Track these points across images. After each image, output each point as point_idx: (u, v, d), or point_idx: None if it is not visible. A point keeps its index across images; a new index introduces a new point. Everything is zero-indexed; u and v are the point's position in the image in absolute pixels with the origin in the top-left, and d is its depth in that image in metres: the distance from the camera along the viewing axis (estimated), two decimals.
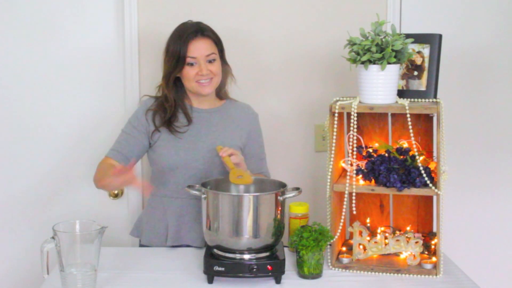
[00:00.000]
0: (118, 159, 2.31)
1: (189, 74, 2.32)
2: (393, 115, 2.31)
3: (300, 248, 2.02)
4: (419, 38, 2.22)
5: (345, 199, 2.11)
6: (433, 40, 2.21)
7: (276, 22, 2.73)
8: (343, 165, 2.24)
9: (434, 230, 2.26)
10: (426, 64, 2.23)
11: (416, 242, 2.14)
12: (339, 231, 2.14)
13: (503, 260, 2.88)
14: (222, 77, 2.44)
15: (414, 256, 2.13)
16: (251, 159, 2.43)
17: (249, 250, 2.02)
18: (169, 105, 2.35)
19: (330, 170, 2.12)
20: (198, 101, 2.42)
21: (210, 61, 2.33)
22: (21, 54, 2.70)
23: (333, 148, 2.12)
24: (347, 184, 2.10)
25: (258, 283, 2.01)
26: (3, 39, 2.69)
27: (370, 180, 2.13)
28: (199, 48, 2.31)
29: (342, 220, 2.15)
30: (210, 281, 2.01)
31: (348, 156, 2.19)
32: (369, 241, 2.17)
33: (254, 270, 1.98)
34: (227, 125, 2.42)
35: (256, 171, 2.42)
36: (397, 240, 2.16)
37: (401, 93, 2.23)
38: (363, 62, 2.08)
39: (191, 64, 2.31)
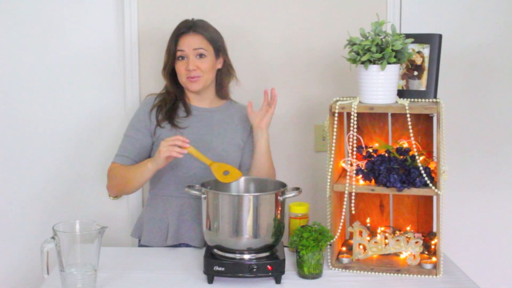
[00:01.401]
0: (127, 164, 2.32)
1: (179, 68, 2.36)
2: (393, 115, 2.31)
3: (300, 248, 2.02)
4: (419, 38, 2.22)
5: (345, 199, 2.11)
6: (433, 40, 2.21)
7: (276, 22, 2.73)
8: (343, 165, 2.24)
9: (434, 230, 2.26)
10: (426, 64, 2.22)
11: (416, 242, 2.14)
12: (339, 231, 2.14)
13: (503, 260, 2.88)
14: (224, 78, 2.45)
15: (414, 256, 2.13)
16: (250, 152, 2.45)
17: (249, 250, 2.02)
18: (170, 98, 2.39)
19: (330, 170, 2.12)
20: (197, 99, 2.43)
21: (200, 56, 2.34)
22: (21, 54, 2.70)
23: (333, 148, 2.12)
24: (347, 184, 2.10)
25: (258, 283, 2.01)
26: (3, 40, 2.69)
27: (370, 180, 2.13)
28: (188, 42, 2.35)
29: (342, 220, 2.15)
30: (210, 281, 2.01)
31: (348, 156, 2.19)
32: (369, 241, 2.17)
33: (254, 270, 1.98)
34: (228, 124, 2.43)
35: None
36: (397, 240, 2.16)
37: (401, 93, 2.23)
38: (363, 62, 2.08)
39: (181, 58, 2.35)
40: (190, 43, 2.35)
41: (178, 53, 2.35)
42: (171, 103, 2.39)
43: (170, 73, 2.40)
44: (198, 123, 2.40)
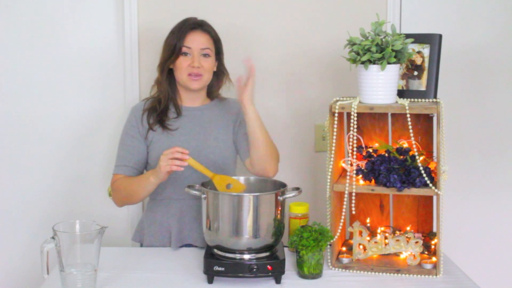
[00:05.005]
0: (129, 173, 2.33)
1: (182, 64, 2.33)
2: (393, 115, 2.31)
3: (300, 248, 2.02)
4: (419, 38, 2.22)
5: (345, 199, 2.11)
6: (433, 40, 2.21)
7: (276, 22, 2.73)
8: (343, 165, 2.24)
9: (434, 230, 2.26)
10: (426, 64, 2.23)
11: (416, 242, 2.14)
12: (339, 231, 2.14)
13: (503, 260, 2.88)
14: (218, 81, 2.44)
15: (414, 256, 2.13)
16: (244, 136, 2.36)
17: (249, 250, 2.02)
18: (163, 97, 2.37)
19: (330, 170, 2.12)
20: (189, 99, 2.41)
21: (204, 56, 2.34)
22: (21, 54, 2.70)
23: (333, 148, 2.12)
24: (347, 184, 2.10)
25: (258, 283, 2.01)
26: (3, 40, 2.69)
27: (370, 180, 2.13)
28: (196, 40, 2.33)
29: (342, 220, 2.15)
30: (210, 281, 2.01)
31: (348, 156, 2.19)
32: (369, 241, 2.17)
33: (254, 270, 1.98)
34: (219, 121, 2.41)
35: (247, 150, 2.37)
36: (397, 240, 2.16)
37: (401, 93, 2.23)
38: (363, 62, 2.08)
39: (185, 54, 2.33)
40: (199, 41, 2.33)
41: (184, 49, 2.32)
42: (162, 105, 2.36)
43: (167, 69, 2.38)
44: (189, 122, 2.38)
